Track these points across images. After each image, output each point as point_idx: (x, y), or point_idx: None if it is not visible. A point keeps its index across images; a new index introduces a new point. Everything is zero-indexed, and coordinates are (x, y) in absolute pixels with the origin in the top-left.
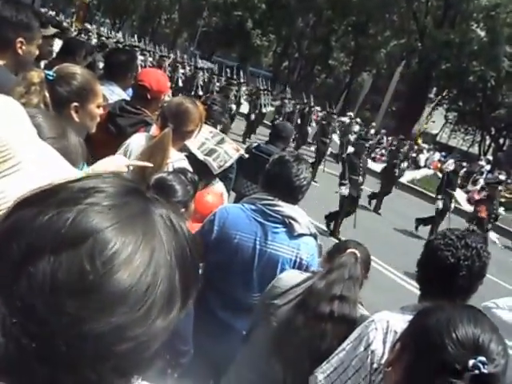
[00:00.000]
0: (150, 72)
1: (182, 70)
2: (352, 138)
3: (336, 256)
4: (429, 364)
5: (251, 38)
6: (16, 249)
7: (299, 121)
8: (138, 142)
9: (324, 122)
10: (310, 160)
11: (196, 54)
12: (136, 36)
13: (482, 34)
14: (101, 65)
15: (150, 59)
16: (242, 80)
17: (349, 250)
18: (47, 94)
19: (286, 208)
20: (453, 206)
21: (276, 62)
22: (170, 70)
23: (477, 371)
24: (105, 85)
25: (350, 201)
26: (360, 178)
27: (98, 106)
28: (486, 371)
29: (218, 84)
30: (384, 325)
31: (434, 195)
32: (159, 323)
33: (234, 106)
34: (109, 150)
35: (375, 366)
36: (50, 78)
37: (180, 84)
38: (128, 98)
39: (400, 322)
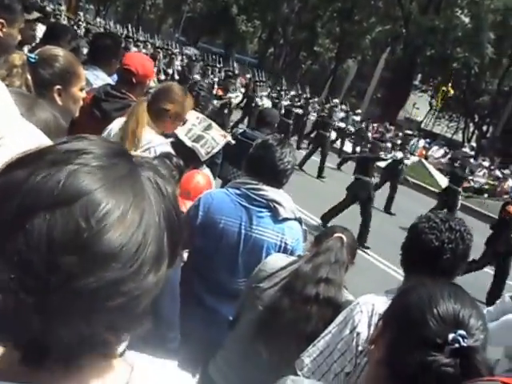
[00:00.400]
0: (135, 56)
1: (177, 62)
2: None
3: (323, 240)
4: (410, 339)
5: (236, 24)
6: (10, 208)
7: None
8: (118, 124)
9: (325, 114)
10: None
11: (181, 41)
12: (119, 23)
13: (467, 20)
14: (85, 51)
15: (144, 51)
16: (236, 71)
17: (335, 235)
18: (29, 77)
19: (271, 192)
20: (459, 203)
21: (261, 48)
22: (165, 62)
23: (457, 345)
24: (89, 70)
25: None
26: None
27: (81, 89)
28: (465, 345)
29: (200, 71)
30: (369, 308)
31: (427, 186)
32: (150, 279)
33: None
34: (93, 133)
35: (360, 348)
36: (33, 60)
37: (176, 77)
38: (113, 83)
39: (384, 304)
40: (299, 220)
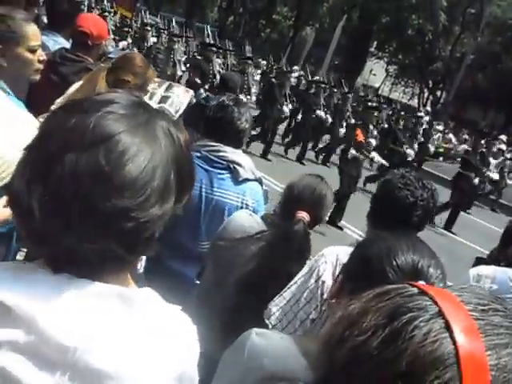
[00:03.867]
0: (88, 18)
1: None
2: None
3: (290, 209)
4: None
5: None
6: (52, 144)
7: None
8: (74, 88)
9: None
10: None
11: (142, 10)
12: None
13: None
14: (45, 19)
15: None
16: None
17: (299, 215)
18: None
19: (230, 153)
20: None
21: (222, 17)
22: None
23: None
24: (48, 36)
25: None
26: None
27: (32, 51)
28: None
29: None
30: (333, 258)
31: None
32: (156, 210)
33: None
34: (52, 99)
35: (325, 296)
36: None
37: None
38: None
39: (348, 255)
40: (259, 180)
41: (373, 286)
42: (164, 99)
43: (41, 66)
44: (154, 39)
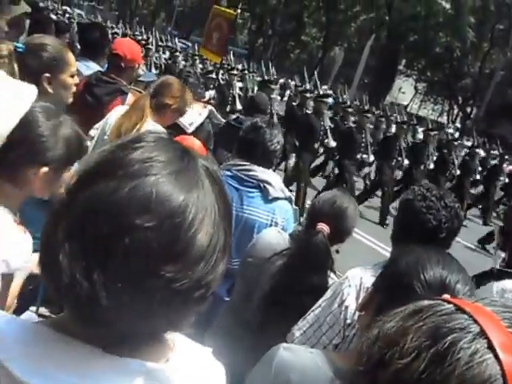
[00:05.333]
0: (123, 41)
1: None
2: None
3: (312, 223)
4: (398, 305)
5: None
6: (106, 222)
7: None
8: (116, 114)
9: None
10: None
11: (174, 34)
12: (113, 19)
13: (447, 5)
14: (78, 45)
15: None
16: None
17: (318, 227)
18: (16, 67)
19: (260, 172)
20: None
21: (251, 39)
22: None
23: None
24: (81, 61)
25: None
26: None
27: (72, 76)
28: None
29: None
30: (357, 281)
31: None
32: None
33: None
34: (87, 119)
35: (349, 321)
36: (20, 49)
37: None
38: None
39: (372, 278)
40: (289, 199)
41: (401, 299)
42: None
43: (75, 89)
44: (183, 63)
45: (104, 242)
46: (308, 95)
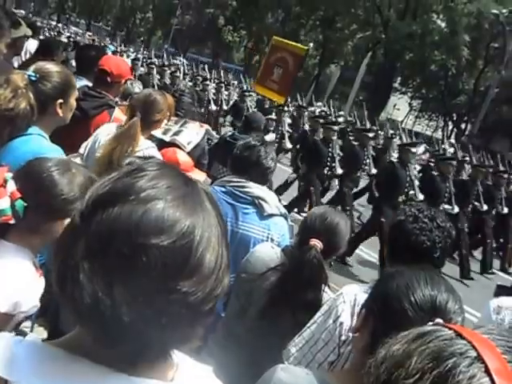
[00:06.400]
0: (110, 58)
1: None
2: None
3: (305, 239)
4: (391, 328)
5: (223, 35)
6: (125, 241)
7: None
8: (106, 131)
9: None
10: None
11: (171, 52)
12: (110, 37)
13: (443, 24)
14: (74, 63)
15: (142, 69)
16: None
17: (311, 242)
18: (31, 95)
19: (255, 189)
20: None
21: (247, 56)
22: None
23: None
24: (76, 80)
25: None
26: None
27: (76, 99)
28: None
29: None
30: (351, 298)
31: None
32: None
33: None
34: (73, 132)
35: (343, 338)
36: (33, 78)
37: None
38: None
39: (366, 295)
40: (285, 216)
41: (394, 322)
42: (177, 133)
43: None
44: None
45: (124, 260)
46: (321, 121)
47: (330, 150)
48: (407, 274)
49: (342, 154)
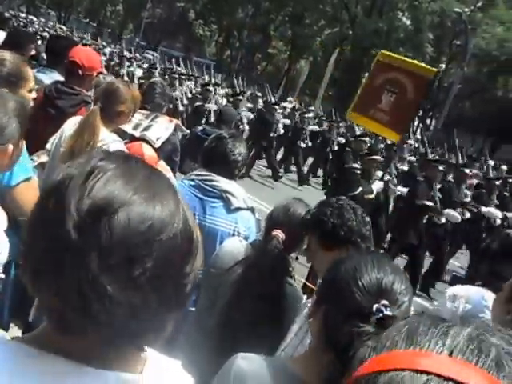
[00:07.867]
0: (80, 49)
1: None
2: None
3: (269, 231)
4: (341, 312)
5: (194, 29)
6: (135, 238)
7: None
8: (70, 125)
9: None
10: None
11: (142, 45)
12: (80, 30)
13: (408, 22)
14: (45, 56)
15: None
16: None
17: (273, 233)
18: None
19: (223, 183)
20: None
21: (219, 51)
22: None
23: (380, 314)
24: (46, 73)
25: None
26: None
27: (30, 91)
28: (388, 313)
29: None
30: None
31: None
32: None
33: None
34: (49, 131)
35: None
36: None
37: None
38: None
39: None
40: (252, 210)
41: (343, 307)
42: (147, 128)
43: (32, 104)
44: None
45: (124, 260)
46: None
47: None
48: (356, 258)
49: None
